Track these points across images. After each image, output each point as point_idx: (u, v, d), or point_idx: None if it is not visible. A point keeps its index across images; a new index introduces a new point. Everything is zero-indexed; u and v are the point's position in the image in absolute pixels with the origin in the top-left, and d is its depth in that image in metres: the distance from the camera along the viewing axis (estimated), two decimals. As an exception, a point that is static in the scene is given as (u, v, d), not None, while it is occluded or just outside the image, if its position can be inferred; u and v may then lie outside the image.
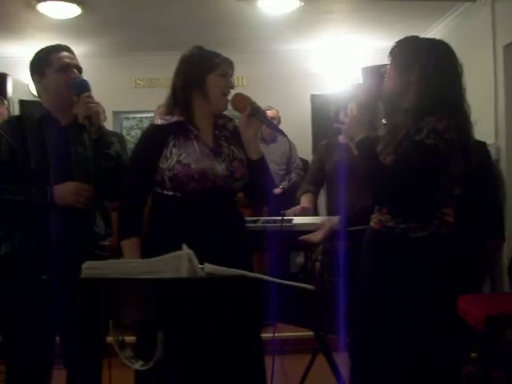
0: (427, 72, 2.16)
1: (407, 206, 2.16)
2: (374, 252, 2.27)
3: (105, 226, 2.43)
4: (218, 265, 1.36)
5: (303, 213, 3.20)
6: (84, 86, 2.33)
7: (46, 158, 2.30)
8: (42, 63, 2.38)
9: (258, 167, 2.25)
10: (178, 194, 2.16)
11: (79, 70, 2.40)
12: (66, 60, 2.37)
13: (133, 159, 2.31)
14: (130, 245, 2.18)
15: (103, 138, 2.32)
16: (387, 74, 2.28)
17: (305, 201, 3.32)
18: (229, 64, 2.25)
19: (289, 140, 4.47)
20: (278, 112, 5.90)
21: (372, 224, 2.29)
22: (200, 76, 2.19)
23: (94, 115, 2.27)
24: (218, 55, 2.23)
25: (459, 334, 2.28)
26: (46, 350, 2.33)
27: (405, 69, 2.21)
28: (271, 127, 2.22)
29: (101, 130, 2.31)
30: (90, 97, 2.30)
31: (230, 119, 2.32)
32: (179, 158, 2.15)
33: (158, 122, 2.24)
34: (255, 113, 2.20)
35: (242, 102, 2.22)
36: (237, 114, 2.30)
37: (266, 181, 2.26)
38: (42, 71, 2.38)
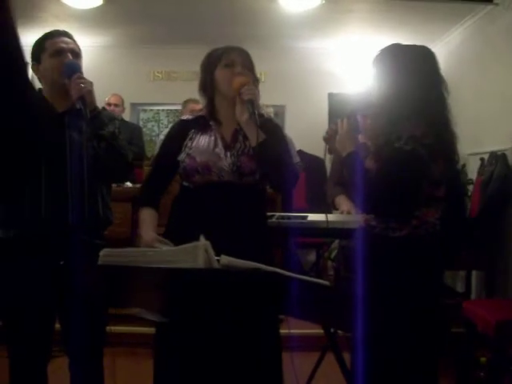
0: (410, 80, 2.19)
1: (388, 207, 2.21)
2: (359, 249, 2.33)
3: (103, 213, 2.39)
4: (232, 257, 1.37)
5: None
6: (73, 68, 2.28)
7: None
8: (38, 49, 2.37)
9: (259, 154, 2.15)
10: (191, 186, 2.23)
11: (75, 54, 2.36)
12: (60, 45, 2.34)
13: (159, 148, 2.50)
14: (146, 211, 2.28)
15: (97, 118, 2.28)
16: (373, 81, 2.31)
17: (346, 203, 3.29)
18: (232, 51, 2.22)
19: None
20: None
21: (360, 222, 2.37)
22: (210, 73, 2.23)
23: (86, 95, 2.23)
24: (222, 48, 2.23)
25: (430, 333, 2.30)
26: (44, 334, 2.33)
27: (388, 77, 2.24)
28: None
29: (96, 110, 2.27)
30: (81, 77, 2.25)
31: (261, 115, 2.23)
32: (189, 150, 2.22)
33: (186, 116, 2.35)
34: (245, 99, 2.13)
35: (238, 85, 2.15)
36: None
37: (276, 166, 2.16)
38: (38, 57, 2.37)
